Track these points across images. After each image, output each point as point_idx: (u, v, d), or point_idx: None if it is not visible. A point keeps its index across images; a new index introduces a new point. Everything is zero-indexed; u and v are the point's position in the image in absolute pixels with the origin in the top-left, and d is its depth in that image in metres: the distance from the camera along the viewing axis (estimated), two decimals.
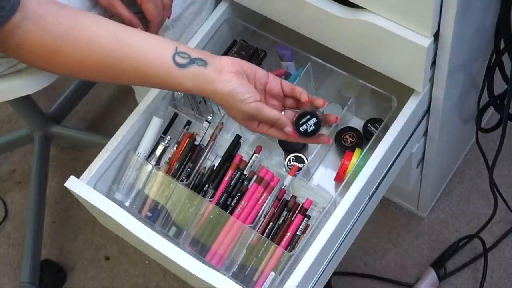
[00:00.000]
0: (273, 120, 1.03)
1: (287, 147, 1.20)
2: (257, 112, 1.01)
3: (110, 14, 1.10)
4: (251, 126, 1.04)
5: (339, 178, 1.17)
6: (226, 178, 1.13)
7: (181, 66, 0.98)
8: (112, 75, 1.00)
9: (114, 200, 1.13)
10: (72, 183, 1.10)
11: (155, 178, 1.14)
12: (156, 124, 1.17)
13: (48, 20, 0.95)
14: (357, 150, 1.17)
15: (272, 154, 1.21)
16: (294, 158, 1.20)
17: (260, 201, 1.11)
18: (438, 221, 1.63)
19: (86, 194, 1.09)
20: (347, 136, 1.21)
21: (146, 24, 1.11)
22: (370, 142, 1.14)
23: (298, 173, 1.15)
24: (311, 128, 1.05)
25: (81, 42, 0.96)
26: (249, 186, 1.12)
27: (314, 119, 1.04)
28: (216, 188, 1.13)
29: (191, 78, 0.99)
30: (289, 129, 1.03)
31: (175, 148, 1.16)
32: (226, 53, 1.24)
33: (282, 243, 1.08)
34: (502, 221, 1.59)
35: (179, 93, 1.19)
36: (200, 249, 1.11)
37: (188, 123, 1.18)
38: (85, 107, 1.89)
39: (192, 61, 0.99)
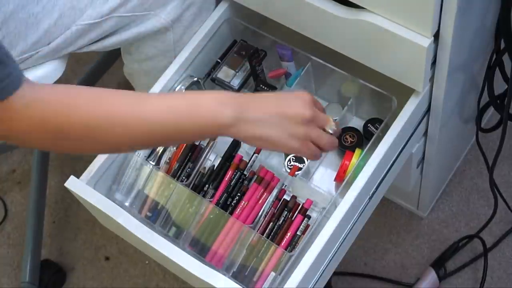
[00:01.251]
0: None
1: None
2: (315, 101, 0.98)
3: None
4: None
5: (339, 178, 1.17)
6: (226, 178, 1.13)
7: None
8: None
9: (114, 200, 1.13)
10: (72, 183, 1.10)
11: (155, 178, 1.14)
12: None
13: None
14: (357, 150, 1.17)
15: (272, 154, 1.21)
16: (294, 158, 1.20)
17: (260, 201, 1.11)
18: (438, 221, 1.63)
19: (86, 194, 1.09)
20: (347, 136, 1.21)
21: None
22: (370, 142, 1.14)
23: (298, 173, 1.15)
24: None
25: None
26: (249, 186, 1.12)
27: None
28: (216, 188, 1.13)
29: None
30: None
31: (175, 148, 1.16)
32: (226, 53, 1.24)
33: (282, 243, 1.08)
34: (502, 221, 1.59)
35: None
36: (200, 249, 1.11)
37: None
38: None
39: None
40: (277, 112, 0.95)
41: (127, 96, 0.91)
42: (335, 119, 1.08)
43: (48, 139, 0.88)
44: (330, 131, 1.00)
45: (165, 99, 0.93)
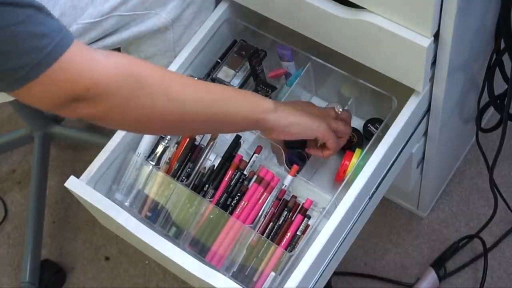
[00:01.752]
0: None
1: (290, 145, 1.21)
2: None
3: None
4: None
5: (339, 178, 1.17)
6: (226, 178, 1.13)
7: None
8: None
9: (114, 200, 1.13)
10: (72, 183, 1.10)
11: (155, 178, 1.14)
12: None
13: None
14: (357, 150, 1.17)
15: (272, 154, 1.21)
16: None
17: (260, 201, 1.11)
18: (438, 221, 1.63)
19: (86, 194, 1.09)
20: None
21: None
22: (370, 142, 1.14)
23: (298, 173, 1.15)
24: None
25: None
26: (249, 186, 1.12)
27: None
28: (216, 188, 1.13)
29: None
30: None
31: (175, 148, 1.16)
32: (226, 53, 1.24)
33: (282, 243, 1.08)
34: (502, 221, 1.59)
35: None
36: (200, 249, 1.11)
37: None
38: None
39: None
40: (302, 108, 1.11)
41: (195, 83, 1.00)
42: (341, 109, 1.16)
43: (127, 92, 0.88)
44: (339, 111, 1.15)
45: (221, 88, 1.05)
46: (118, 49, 1.26)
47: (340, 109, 1.15)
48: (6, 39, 0.77)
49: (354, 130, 1.22)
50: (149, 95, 0.90)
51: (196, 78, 1.19)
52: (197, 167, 1.15)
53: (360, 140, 1.21)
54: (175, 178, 1.14)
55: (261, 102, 1.05)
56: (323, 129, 1.10)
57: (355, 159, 1.15)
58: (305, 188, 1.14)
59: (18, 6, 0.78)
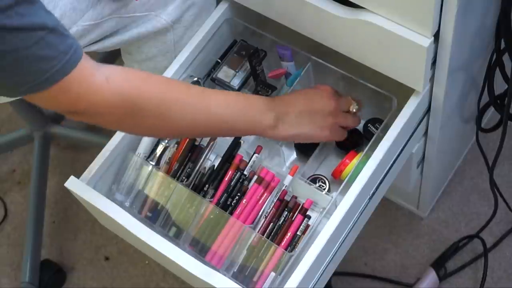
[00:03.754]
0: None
1: (301, 149, 1.21)
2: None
3: None
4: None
5: (336, 174, 1.17)
6: (226, 178, 1.13)
7: None
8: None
9: (114, 200, 1.13)
10: (72, 183, 1.10)
11: (155, 178, 1.14)
12: None
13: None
14: (359, 154, 1.17)
15: (272, 154, 1.21)
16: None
17: (260, 201, 1.11)
18: (438, 221, 1.63)
19: (86, 194, 1.09)
20: (348, 136, 1.21)
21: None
22: (370, 142, 1.14)
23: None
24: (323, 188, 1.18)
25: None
26: (249, 186, 1.12)
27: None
28: (216, 188, 1.13)
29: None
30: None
31: (175, 148, 1.16)
32: (226, 53, 1.24)
33: (282, 244, 1.08)
34: (502, 221, 1.59)
35: None
36: (200, 249, 1.11)
37: None
38: None
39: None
40: (307, 110, 1.10)
41: (193, 88, 1.04)
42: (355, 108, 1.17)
43: (121, 114, 0.94)
44: (354, 110, 1.15)
45: (225, 95, 1.06)
46: (118, 50, 1.26)
47: (355, 109, 1.15)
48: (13, 61, 0.80)
49: (354, 130, 1.22)
50: (145, 118, 0.96)
51: (196, 79, 1.19)
52: (197, 167, 1.15)
53: (360, 140, 1.21)
54: (175, 178, 1.14)
55: (261, 118, 1.06)
56: (326, 136, 1.12)
57: (355, 161, 1.15)
58: (305, 188, 1.14)
59: (30, 30, 0.80)
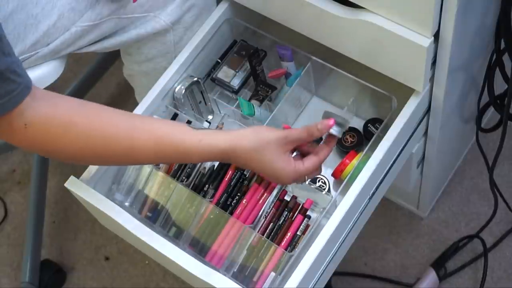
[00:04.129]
0: (303, 131, 1.01)
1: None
2: (288, 132, 1.00)
3: None
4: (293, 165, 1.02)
5: (336, 173, 1.17)
6: (226, 178, 1.13)
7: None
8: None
9: (114, 200, 1.13)
10: (72, 183, 1.10)
11: (155, 178, 1.14)
12: None
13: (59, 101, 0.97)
14: (359, 154, 1.17)
15: None
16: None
17: (261, 201, 1.11)
18: (438, 221, 1.63)
19: (86, 194, 1.09)
20: (348, 136, 1.21)
21: None
22: (370, 142, 1.14)
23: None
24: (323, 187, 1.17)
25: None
26: (249, 186, 1.12)
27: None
28: (216, 188, 1.13)
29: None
30: (327, 122, 1.02)
31: None
32: (226, 53, 1.24)
33: (282, 243, 1.08)
34: (502, 221, 1.59)
35: (179, 93, 1.19)
36: (200, 249, 1.11)
37: (188, 123, 1.18)
38: None
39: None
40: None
41: (122, 134, 0.97)
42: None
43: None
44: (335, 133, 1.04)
45: (156, 144, 0.98)
46: (118, 50, 1.26)
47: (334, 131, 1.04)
48: None
49: (354, 130, 1.22)
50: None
51: (196, 79, 1.19)
52: (197, 167, 1.15)
53: (360, 140, 1.21)
54: (175, 178, 1.14)
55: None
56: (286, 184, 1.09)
57: (355, 161, 1.15)
58: (305, 188, 1.14)
59: None
